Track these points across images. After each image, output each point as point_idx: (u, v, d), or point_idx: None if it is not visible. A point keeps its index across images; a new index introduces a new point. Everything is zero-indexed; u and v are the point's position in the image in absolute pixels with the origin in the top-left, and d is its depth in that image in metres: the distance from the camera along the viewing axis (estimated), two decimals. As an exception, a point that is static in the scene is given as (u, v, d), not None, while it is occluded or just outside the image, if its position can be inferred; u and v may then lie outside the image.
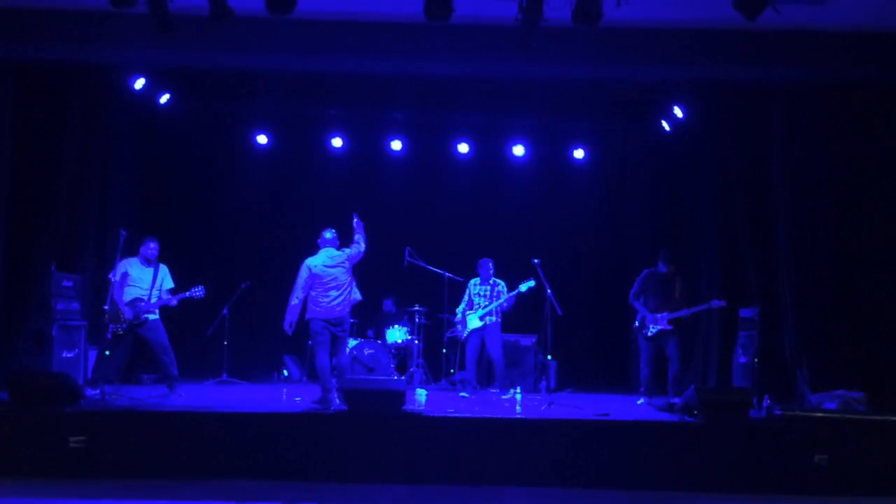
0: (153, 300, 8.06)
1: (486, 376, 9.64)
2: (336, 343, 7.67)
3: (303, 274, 7.55)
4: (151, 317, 8.05)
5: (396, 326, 10.23)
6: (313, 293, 7.54)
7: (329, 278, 7.56)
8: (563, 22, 6.50)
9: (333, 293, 7.55)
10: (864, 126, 8.29)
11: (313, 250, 7.82)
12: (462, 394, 8.97)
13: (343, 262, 7.63)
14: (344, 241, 7.86)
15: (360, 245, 7.63)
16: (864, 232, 8.23)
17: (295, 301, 7.52)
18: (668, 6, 7.25)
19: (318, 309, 7.53)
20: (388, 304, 10.72)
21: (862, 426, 6.62)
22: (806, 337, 8.11)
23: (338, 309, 7.55)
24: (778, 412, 7.01)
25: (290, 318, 7.54)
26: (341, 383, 7.16)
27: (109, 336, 7.88)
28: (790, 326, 8.22)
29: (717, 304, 8.29)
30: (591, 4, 6.39)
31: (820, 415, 6.94)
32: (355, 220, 7.68)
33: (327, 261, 7.62)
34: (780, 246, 8.46)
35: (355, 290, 8.00)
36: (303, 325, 7.75)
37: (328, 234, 7.77)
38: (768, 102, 8.62)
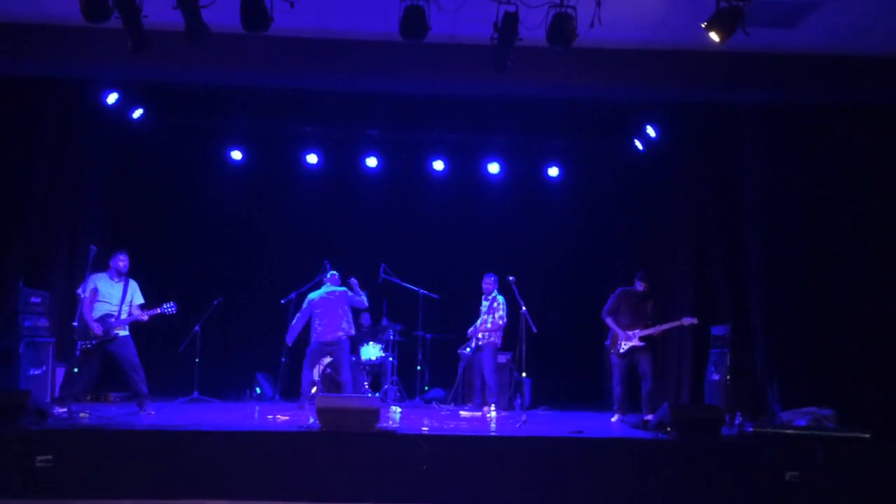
0: (123, 316, 7.96)
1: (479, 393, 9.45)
2: (335, 361, 9.04)
3: (303, 305, 9.06)
4: (121, 333, 7.94)
5: (371, 343, 10.18)
6: (313, 320, 8.95)
7: (320, 309, 8.90)
8: (538, 42, 6.57)
9: (326, 320, 8.83)
10: (833, 147, 8.43)
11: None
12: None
13: (336, 297, 8.93)
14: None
15: (363, 299, 9.00)
16: (833, 251, 8.34)
17: (294, 322, 9.08)
18: (641, 28, 7.36)
19: (313, 334, 8.94)
20: (366, 320, 10.67)
21: (832, 443, 6.68)
22: (776, 355, 8.20)
23: (328, 334, 8.84)
24: (749, 429, 7.07)
25: (290, 334, 9.08)
26: (317, 400, 7.10)
27: (78, 353, 7.76)
28: (761, 344, 8.31)
29: (688, 321, 8.33)
30: (565, 25, 6.47)
31: (791, 431, 6.98)
32: (353, 280, 8.99)
33: (322, 294, 8.98)
34: (752, 264, 8.57)
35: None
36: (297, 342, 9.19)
37: (328, 275, 9.18)
38: (740, 123, 8.75)
